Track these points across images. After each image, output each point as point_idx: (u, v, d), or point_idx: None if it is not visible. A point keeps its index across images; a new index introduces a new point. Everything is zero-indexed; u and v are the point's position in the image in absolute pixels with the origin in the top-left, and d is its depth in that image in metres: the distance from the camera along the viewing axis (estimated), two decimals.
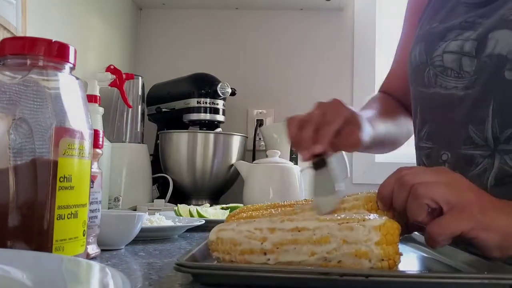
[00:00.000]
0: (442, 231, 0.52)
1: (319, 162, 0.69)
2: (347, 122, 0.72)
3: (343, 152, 0.78)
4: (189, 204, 1.22)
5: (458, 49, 0.75)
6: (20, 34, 1.09)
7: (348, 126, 0.72)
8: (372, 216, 0.52)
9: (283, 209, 0.72)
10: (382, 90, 1.04)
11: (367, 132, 0.75)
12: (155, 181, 1.63)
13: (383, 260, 0.49)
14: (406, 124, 0.96)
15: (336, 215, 0.53)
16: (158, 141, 1.74)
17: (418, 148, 0.84)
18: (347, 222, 0.50)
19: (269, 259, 0.51)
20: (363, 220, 0.50)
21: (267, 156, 1.58)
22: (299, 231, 0.51)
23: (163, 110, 1.76)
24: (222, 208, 1.20)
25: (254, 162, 1.59)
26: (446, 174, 0.57)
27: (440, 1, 0.84)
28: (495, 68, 0.69)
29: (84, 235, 0.53)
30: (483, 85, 0.71)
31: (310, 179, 0.68)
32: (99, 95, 1.26)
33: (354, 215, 0.53)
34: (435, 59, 0.78)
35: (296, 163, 1.60)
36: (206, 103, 1.69)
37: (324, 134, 0.68)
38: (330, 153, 0.69)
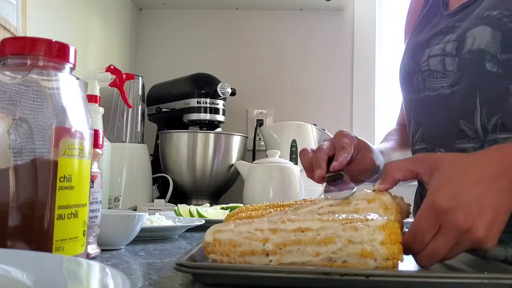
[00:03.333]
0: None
1: (336, 176, 0.70)
2: (357, 150, 0.77)
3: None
4: (189, 204, 1.22)
5: (441, 52, 0.79)
6: (20, 34, 1.09)
7: (359, 153, 0.77)
8: (374, 215, 0.52)
9: (281, 209, 0.72)
10: (398, 123, 1.06)
11: (379, 157, 0.80)
12: (155, 181, 1.63)
13: (388, 259, 0.49)
14: None
15: (337, 215, 0.53)
16: (158, 141, 1.74)
17: (412, 151, 0.86)
18: (350, 222, 0.50)
19: (271, 260, 0.50)
20: (366, 220, 0.50)
21: (267, 156, 1.58)
22: (302, 231, 0.50)
23: (163, 110, 1.76)
24: (222, 208, 1.20)
25: (254, 162, 1.59)
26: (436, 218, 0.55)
27: (426, 18, 0.89)
28: (476, 62, 0.73)
29: (84, 235, 0.53)
30: (467, 79, 0.75)
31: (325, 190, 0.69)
32: (99, 95, 1.26)
33: (355, 215, 0.53)
34: (422, 65, 0.82)
35: (296, 163, 1.60)
36: (206, 103, 1.69)
37: (340, 154, 0.72)
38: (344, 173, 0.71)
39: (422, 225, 0.55)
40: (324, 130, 1.77)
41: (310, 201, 0.80)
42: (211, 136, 1.65)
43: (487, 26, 0.72)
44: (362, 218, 0.51)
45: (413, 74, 0.84)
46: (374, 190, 0.62)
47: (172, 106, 1.75)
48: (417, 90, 0.83)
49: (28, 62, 0.50)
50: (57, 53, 0.51)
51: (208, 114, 1.70)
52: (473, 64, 0.74)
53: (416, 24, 0.92)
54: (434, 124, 0.81)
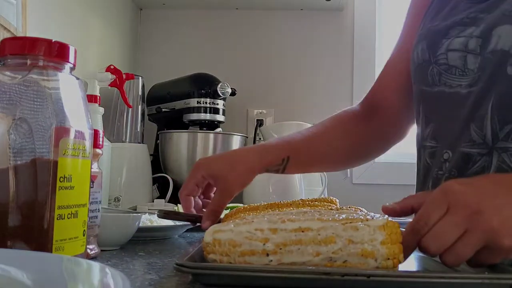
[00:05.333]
0: (484, 264, 0.53)
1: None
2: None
3: None
4: None
5: (462, 47, 0.74)
6: (20, 34, 1.09)
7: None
8: (374, 215, 0.52)
9: (280, 209, 0.72)
10: (365, 99, 1.01)
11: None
12: (155, 181, 1.63)
13: (388, 259, 0.49)
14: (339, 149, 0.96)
15: (337, 215, 0.53)
16: (158, 141, 1.74)
17: (422, 147, 0.83)
18: (350, 222, 0.50)
19: (271, 260, 0.50)
20: (366, 220, 0.50)
21: None
22: (302, 231, 0.50)
23: (163, 110, 1.76)
24: None
25: None
26: (463, 218, 0.51)
27: (442, 0, 0.83)
28: (498, 64, 0.69)
29: (84, 235, 0.53)
30: (485, 81, 0.71)
31: None
32: (99, 95, 1.26)
33: (355, 215, 0.53)
34: (439, 57, 0.78)
35: None
36: (206, 103, 1.69)
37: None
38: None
39: (429, 205, 0.53)
40: None
41: (308, 201, 0.80)
42: (211, 136, 1.65)
43: None
44: (362, 218, 0.51)
45: (428, 65, 0.79)
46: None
47: (172, 106, 1.75)
48: (431, 83, 0.79)
49: (28, 62, 0.50)
50: (57, 53, 0.51)
51: (208, 114, 1.70)
52: (494, 65, 0.69)
53: (431, 6, 0.85)
54: (445, 123, 0.77)
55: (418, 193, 0.63)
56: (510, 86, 0.68)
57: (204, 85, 1.69)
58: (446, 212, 0.52)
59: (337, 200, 0.83)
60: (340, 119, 0.98)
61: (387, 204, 0.59)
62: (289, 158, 0.88)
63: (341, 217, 0.52)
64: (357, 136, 0.96)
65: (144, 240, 0.83)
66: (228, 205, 1.23)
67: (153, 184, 1.61)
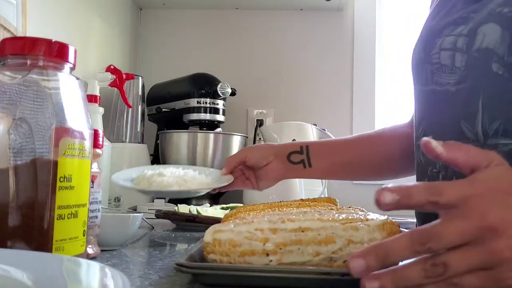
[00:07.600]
0: None
1: None
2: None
3: None
4: (189, 204, 1.22)
5: (452, 46, 0.76)
6: (20, 34, 1.09)
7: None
8: (373, 215, 0.52)
9: (279, 209, 0.72)
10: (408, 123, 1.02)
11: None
12: None
13: None
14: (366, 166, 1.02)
15: (337, 215, 0.53)
16: (158, 141, 1.74)
17: (416, 146, 0.84)
18: (350, 222, 0.50)
19: (271, 260, 0.50)
20: (366, 220, 0.50)
21: None
22: (302, 231, 0.50)
23: (163, 110, 1.76)
24: (222, 208, 1.20)
25: None
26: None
27: (442, 1, 0.84)
28: (483, 62, 0.70)
29: (84, 235, 0.53)
30: (473, 79, 0.72)
31: None
32: (99, 95, 1.26)
33: (354, 214, 0.53)
34: (432, 56, 0.79)
35: None
36: (206, 103, 1.69)
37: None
38: None
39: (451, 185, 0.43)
40: (324, 130, 1.77)
41: (308, 201, 0.80)
42: (211, 136, 1.65)
43: (497, 25, 0.69)
44: (362, 218, 0.51)
45: (423, 64, 0.81)
46: None
47: (172, 106, 1.75)
48: (425, 82, 0.80)
49: (28, 62, 0.50)
50: (57, 53, 0.51)
51: (208, 114, 1.70)
52: (480, 63, 0.71)
53: (434, 5, 0.86)
54: (436, 121, 0.78)
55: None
56: (496, 83, 0.69)
57: (204, 85, 1.69)
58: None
59: (337, 200, 0.83)
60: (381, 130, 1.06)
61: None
62: (308, 147, 0.96)
63: (341, 217, 0.52)
64: (392, 139, 1.00)
65: (144, 240, 0.83)
66: (228, 205, 1.24)
67: None
